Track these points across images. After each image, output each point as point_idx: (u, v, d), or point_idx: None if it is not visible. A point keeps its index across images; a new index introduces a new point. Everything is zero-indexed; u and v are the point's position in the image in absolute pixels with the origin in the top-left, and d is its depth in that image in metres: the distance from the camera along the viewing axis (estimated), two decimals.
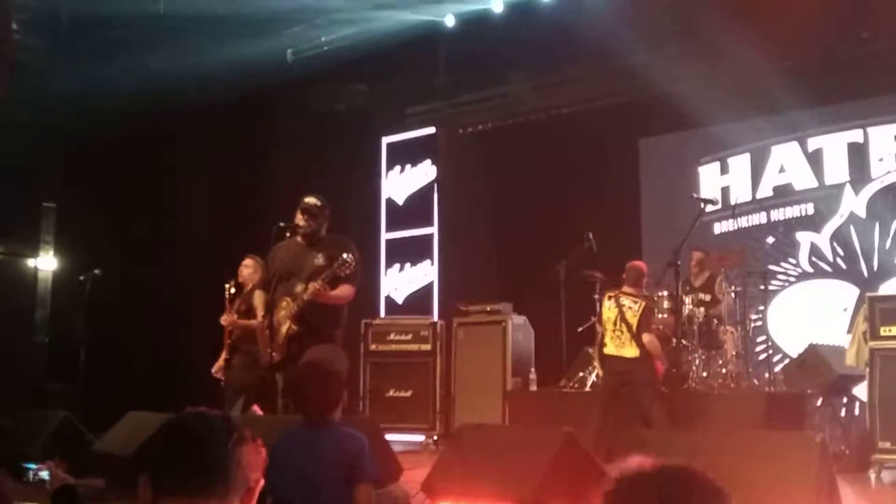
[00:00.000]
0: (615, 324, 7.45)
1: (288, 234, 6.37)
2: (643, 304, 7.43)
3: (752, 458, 3.89)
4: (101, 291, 8.86)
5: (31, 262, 11.60)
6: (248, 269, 7.92)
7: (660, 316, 8.32)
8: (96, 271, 8.57)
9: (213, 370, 7.87)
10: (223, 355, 7.76)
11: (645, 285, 7.73)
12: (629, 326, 7.34)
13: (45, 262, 11.64)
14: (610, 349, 7.50)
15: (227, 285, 7.85)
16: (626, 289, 7.58)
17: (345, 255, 5.99)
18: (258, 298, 6.36)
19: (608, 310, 7.56)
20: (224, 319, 7.70)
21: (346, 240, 6.36)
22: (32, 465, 5.48)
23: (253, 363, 7.75)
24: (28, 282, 11.58)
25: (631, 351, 7.34)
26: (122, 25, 9.96)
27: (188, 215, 11.32)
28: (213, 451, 1.98)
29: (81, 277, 8.65)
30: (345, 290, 6.15)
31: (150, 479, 1.97)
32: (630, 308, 7.40)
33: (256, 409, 7.26)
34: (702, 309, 8.54)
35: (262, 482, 2.06)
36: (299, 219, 6.28)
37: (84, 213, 11.13)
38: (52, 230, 11.71)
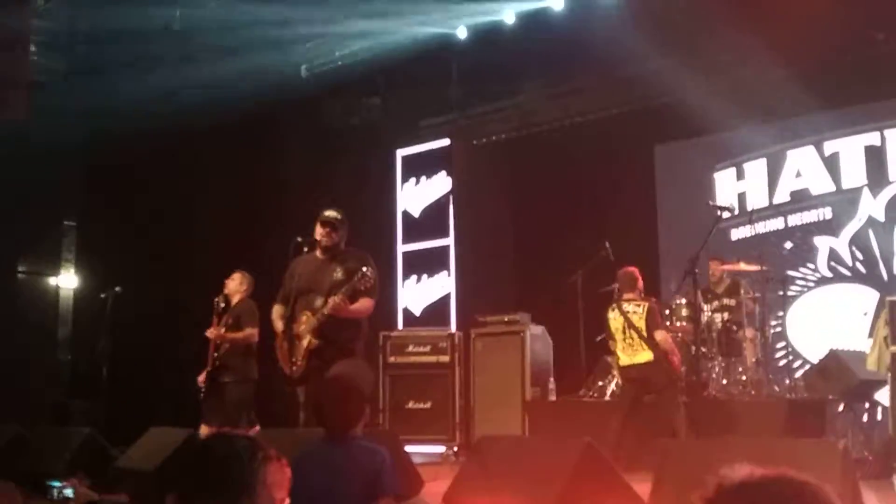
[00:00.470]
0: (624, 332, 7.45)
1: (306, 249, 6.41)
2: (646, 305, 7.44)
3: (774, 466, 3.88)
4: (122, 308, 8.93)
5: (52, 281, 11.73)
6: (234, 281, 7.99)
7: (678, 324, 8.33)
8: (117, 289, 8.64)
9: (200, 381, 7.89)
10: (208, 368, 7.77)
11: (642, 287, 7.73)
12: (638, 331, 7.34)
13: (67, 280, 11.76)
14: (623, 360, 7.50)
15: (216, 299, 7.87)
16: (625, 295, 7.60)
17: (364, 269, 6.02)
18: (276, 313, 6.38)
19: (614, 320, 7.56)
20: (210, 333, 7.73)
21: (365, 254, 6.39)
22: (57, 483, 5.52)
23: (244, 380, 7.82)
24: (50, 300, 11.70)
25: (644, 356, 7.33)
26: (138, 42, 10.05)
27: (206, 231, 11.39)
28: (238, 471, 2.01)
29: (103, 295, 8.72)
30: (364, 304, 6.18)
31: (178, 500, 2.00)
32: (635, 312, 7.41)
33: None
34: (722, 314, 8.51)
35: (288, 501, 2.08)
36: (319, 233, 6.31)
37: (104, 231, 11.25)
38: (73, 248, 11.83)
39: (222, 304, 7.88)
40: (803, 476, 1.53)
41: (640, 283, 7.67)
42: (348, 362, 5.94)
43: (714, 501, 1.52)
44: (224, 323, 7.78)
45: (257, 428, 7.39)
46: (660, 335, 7.31)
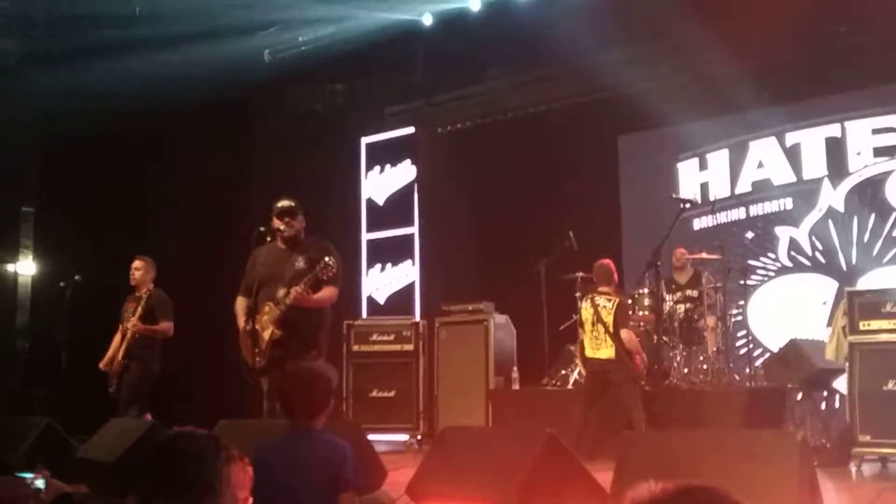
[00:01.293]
0: (592, 325, 7.49)
1: (269, 239, 6.35)
2: (617, 301, 7.47)
3: (733, 457, 3.91)
4: (81, 296, 8.81)
5: (10, 268, 11.54)
6: (140, 270, 8.00)
7: (641, 313, 8.38)
8: (76, 277, 8.52)
9: (102, 365, 7.87)
10: (119, 357, 7.75)
11: (617, 280, 7.76)
12: (605, 326, 7.38)
13: (25, 267, 11.59)
14: (588, 351, 7.55)
15: (139, 294, 7.83)
16: (600, 288, 7.62)
17: (326, 259, 5.97)
18: (240, 305, 6.33)
19: (585, 311, 7.61)
20: (132, 325, 7.70)
21: (326, 242, 6.35)
22: (28, 475, 5.44)
23: (148, 371, 7.82)
24: (8, 287, 11.53)
25: (607, 352, 7.38)
26: (97, 27, 9.89)
27: (168, 218, 11.27)
28: (201, 471, 1.98)
29: (62, 283, 8.59)
30: (328, 293, 6.13)
31: (139, 500, 1.97)
32: (604, 307, 7.45)
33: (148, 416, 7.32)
34: (684, 305, 8.58)
35: (251, 501, 2.06)
36: (277, 223, 6.25)
37: (63, 218, 11.08)
38: (32, 235, 11.65)
39: (144, 299, 7.81)
40: (707, 483, 1.53)
41: (616, 277, 7.69)
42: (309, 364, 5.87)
43: None
44: (136, 313, 7.75)
45: (148, 416, 7.41)
46: (625, 334, 7.34)
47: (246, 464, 2.08)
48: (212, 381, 10.28)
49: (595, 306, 7.48)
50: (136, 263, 8.03)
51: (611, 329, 7.35)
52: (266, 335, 6.05)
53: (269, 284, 6.16)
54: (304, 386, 3.98)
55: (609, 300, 7.46)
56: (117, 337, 8.02)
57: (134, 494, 1.99)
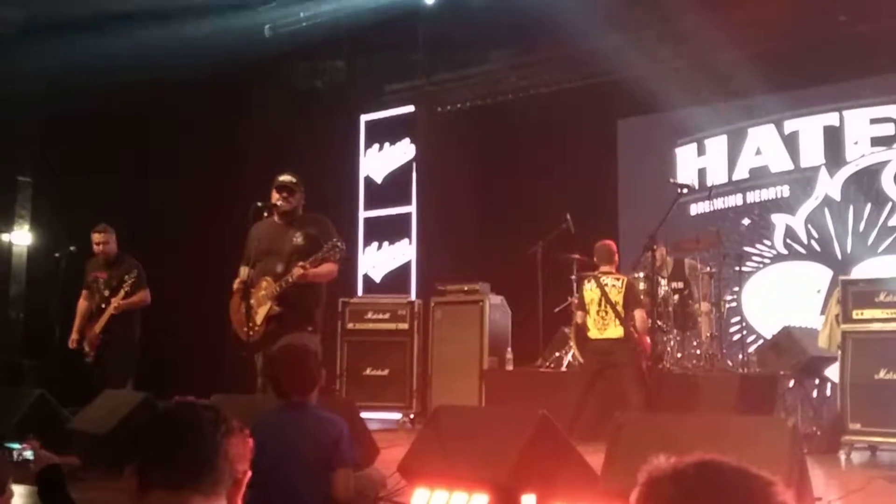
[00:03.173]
0: (599, 305, 7.36)
1: (266, 214, 6.35)
2: (625, 280, 7.39)
3: (724, 442, 3.93)
4: (76, 267, 8.80)
5: (5, 237, 11.51)
6: (107, 244, 8.00)
7: None
8: (72, 248, 8.50)
9: (72, 340, 7.91)
10: (96, 331, 7.78)
11: (618, 262, 7.73)
12: (614, 305, 7.30)
13: (21, 237, 11.55)
14: (593, 332, 7.38)
15: (126, 276, 7.82)
16: (603, 268, 7.55)
17: (336, 241, 5.99)
18: (243, 274, 6.28)
19: (590, 291, 7.44)
20: (116, 305, 7.73)
21: (323, 218, 6.36)
22: (16, 445, 5.46)
23: (131, 343, 7.83)
24: (3, 257, 11.49)
25: (615, 331, 7.28)
26: None
27: (165, 192, 11.24)
28: (200, 443, 1.98)
29: (56, 254, 8.58)
30: (329, 268, 6.13)
31: (137, 471, 1.97)
32: (613, 286, 7.35)
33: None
34: (681, 291, 8.59)
35: (250, 474, 2.07)
36: (276, 197, 6.25)
37: (60, 188, 11.03)
38: (28, 205, 11.61)
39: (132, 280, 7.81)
40: (724, 458, 1.51)
41: (617, 258, 7.65)
42: (297, 336, 5.88)
43: (647, 489, 1.49)
44: (115, 287, 7.75)
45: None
46: (639, 314, 7.22)
47: (246, 436, 2.08)
48: (206, 356, 10.30)
49: (602, 286, 7.37)
50: (98, 237, 7.99)
51: (620, 309, 7.26)
52: (262, 311, 6.06)
53: (265, 260, 6.17)
54: (294, 364, 3.99)
55: (618, 279, 7.37)
56: (83, 304, 8.00)
57: (132, 464, 1.99)
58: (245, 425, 2.11)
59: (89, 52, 9.78)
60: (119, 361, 7.80)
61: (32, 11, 10.73)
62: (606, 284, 7.37)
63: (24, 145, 11.50)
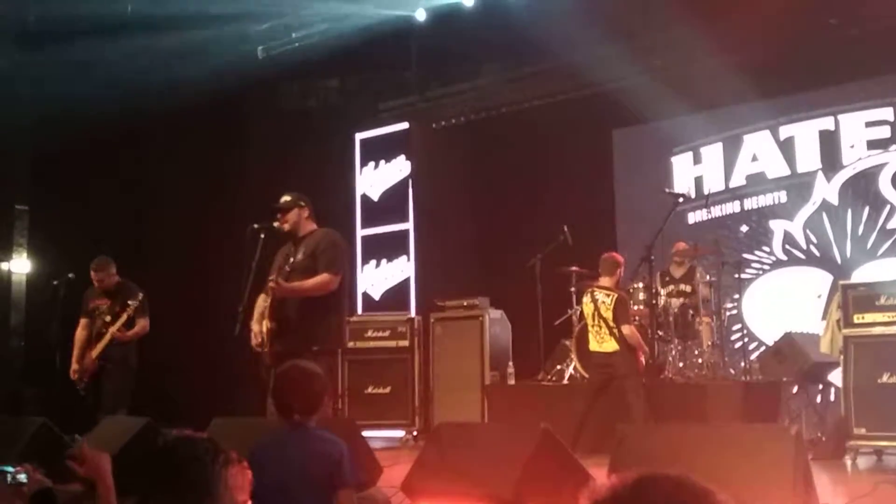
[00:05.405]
0: (594, 319, 7.45)
1: (262, 236, 6.32)
2: (615, 296, 7.41)
3: (728, 452, 3.92)
4: (75, 295, 8.79)
5: (4, 266, 11.50)
6: (105, 279, 7.95)
7: (636, 307, 8.36)
8: (70, 275, 8.49)
9: (73, 370, 7.86)
10: (92, 356, 7.75)
11: (621, 275, 7.72)
12: (605, 321, 7.35)
13: (19, 265, 11.54)
14: (593, 345, 7.50)
15: (130, 301, 7.80)
16: (601, 282, 7.57)
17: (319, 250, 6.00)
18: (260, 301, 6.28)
19: (586, 305, 7.57)
20: (115, 334, 7.71)
21: (326, 232, 6.31)
22: (10, 468, 5.45)
23: (128, 371, 7.81)
24: (2, 285, 11.48)
25: (611, 345, 7.34)
26: (90, 26, 9.85)
27: (161, 216, 11.25)
28: (199, 474, 1.98)
29: (55, 282, 8.56)
30: (319, 279, 5.97)
31: (137, 502, 1.97)
32: (603, 302, 7.41)
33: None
34: (679, 300, 8.59)
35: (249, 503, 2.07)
36: (275, 220, 6.26)
37: (57, 216, 11.04)
38: (26, 233, 11.61)
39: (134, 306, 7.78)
40: (668, 471, 1.51)
41: (621, 271, 7.63)
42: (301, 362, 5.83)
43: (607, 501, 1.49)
44: (117, 313, 7.73)
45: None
46: (627, 330, 7.28)
47: (245, 467, 2.09)
48: (206, 380, 10.28)
49: (595, 301, 7.45)
50: (97, 275, 7.95)
51: (612, 324, 7.32)
52: (263, 329, 6.03)
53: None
54: (297, 384, 3.96)
55: (608, 295, 7.42)
56: (81, 332, 7.96)
57: (133, 497, 1.99)
58: (242, 451, 2.11)
59: (84, 79, 9.81)
60: (114, 390, 7.76)
61: (26, 42, 10.77)
62: (598, 299, 7.43)
63: (21, 174, 11.51)
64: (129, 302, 7.76)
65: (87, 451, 3.17)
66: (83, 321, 8.06)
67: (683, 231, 9.54)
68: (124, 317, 7.74)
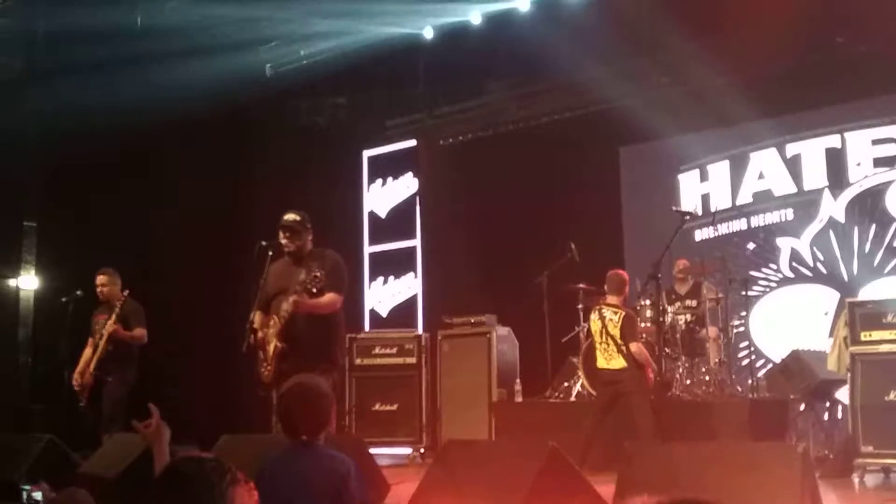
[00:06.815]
0: (601, 336, 7.42)
1: (271, 253, 6.35)
2: (622, 314, 7.39)
3: (736, 470, 3.92)
4: (83, 311, 8.82)
5: (12, 282, 11.53)
6: (107, 286, 7.97)
7: (643, 325, 8.37)
8: (78, 292, 8.52)
9: (74, 381, 7.86)
10: (90, 369, 7.75)
11: (628, 293, 7.72)
12: (613, 338, 7.33)
13: (27, 282, 11.57)
14: (601, 362, 7.46)
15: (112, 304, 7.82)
16: (608, 299, 7.56)
17: (315, 272, 5.99)
18: (256, 320, 6.31)
19: (594, 322, 7.53)
20: (110, 328, 7.69)
21: (329, 253, 6.35)
22: (27, 487, 5.49)
23: (126, 385, 7.81)
24: (10, 302, 11.51)
25: (619, 362, 7.31)
26: (99, 41, 9.92)
27: (170, 233, 11.28)
28: (206, 494, 1.99)
29: (64, 299, 8.59)
30: (327, 298, 6.06)
31: None
32: (611, 320, 7.38)
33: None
34: (685, 317, 8.58)
35: None
36: (281, 237, 6.27)
37: (66, 232, 11.08)
38: (34, 250, 11.65)
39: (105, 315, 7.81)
40: (702, 496, 1.52)
41: (627, 289, 7.63)
42: (308, 375, 5.85)
43: None
44: (112, 319, 7.74)
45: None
46: (635, 347, 7.25)
47: (251, 487, 2.10)
48: (215, 395, 10.28)
49: (602, 318, 7.43)
50: (101, 279, 7.98)
51: (619, 342, 7.30)
52: (270, 348, 6.07)
53: (277, 298, 6.18)
54: (305, 402, 3.96)
55: (615, 313, 7.40)
56: (88, 351, 7.98)
57: None
58: (249, 468, 2.13)
59: (92, 95, 9.87)
60: (112, 403, 7.75)
61: (33, 57, 10.85)
62: (606, 317, 7.41)
63: (29, 190, 11.56)
64: (117, 302, 7.79)
65: (156, 419, 3.53)
66: (90, 340, 8.08)
67: (690, 248, 9.54)
68: (114, 316, 7.74)
